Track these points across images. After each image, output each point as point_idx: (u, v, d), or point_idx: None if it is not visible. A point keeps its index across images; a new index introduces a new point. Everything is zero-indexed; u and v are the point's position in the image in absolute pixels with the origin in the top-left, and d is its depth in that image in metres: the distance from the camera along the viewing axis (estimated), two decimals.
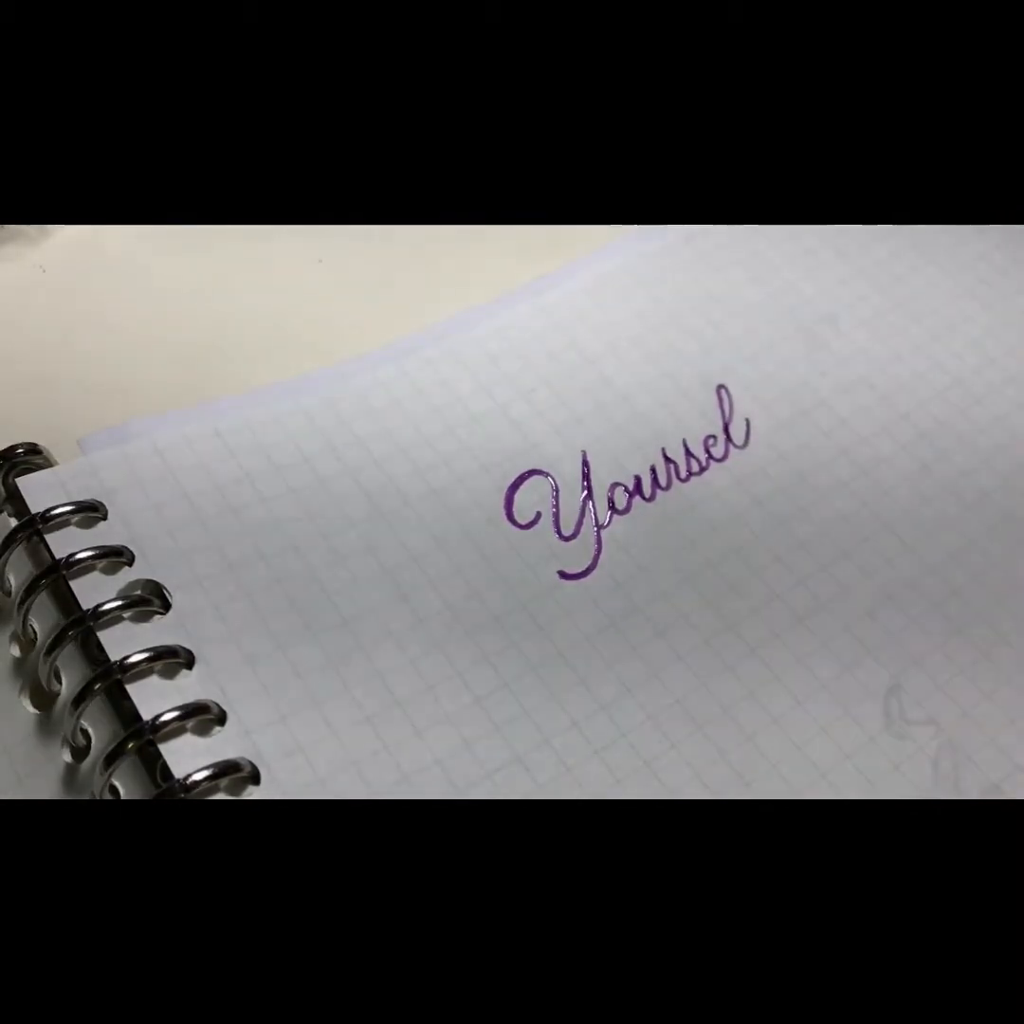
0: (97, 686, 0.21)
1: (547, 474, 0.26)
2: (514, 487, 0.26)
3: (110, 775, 0.20)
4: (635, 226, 0.31)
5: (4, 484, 0.24)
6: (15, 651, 0.23)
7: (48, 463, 0.24)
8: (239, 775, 0.21)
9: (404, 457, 0.26)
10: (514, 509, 0.26)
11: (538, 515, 0.26)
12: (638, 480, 0.27)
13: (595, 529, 0.26)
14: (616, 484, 0.27)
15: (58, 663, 0.22)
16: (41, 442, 0.25)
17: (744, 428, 0.28)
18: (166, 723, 0.21)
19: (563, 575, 0.25)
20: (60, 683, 0.22)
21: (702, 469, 0.27)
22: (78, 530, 0.23)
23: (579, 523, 0.26)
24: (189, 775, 0.20)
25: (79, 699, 0.21)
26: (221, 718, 0.21)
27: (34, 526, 0.23)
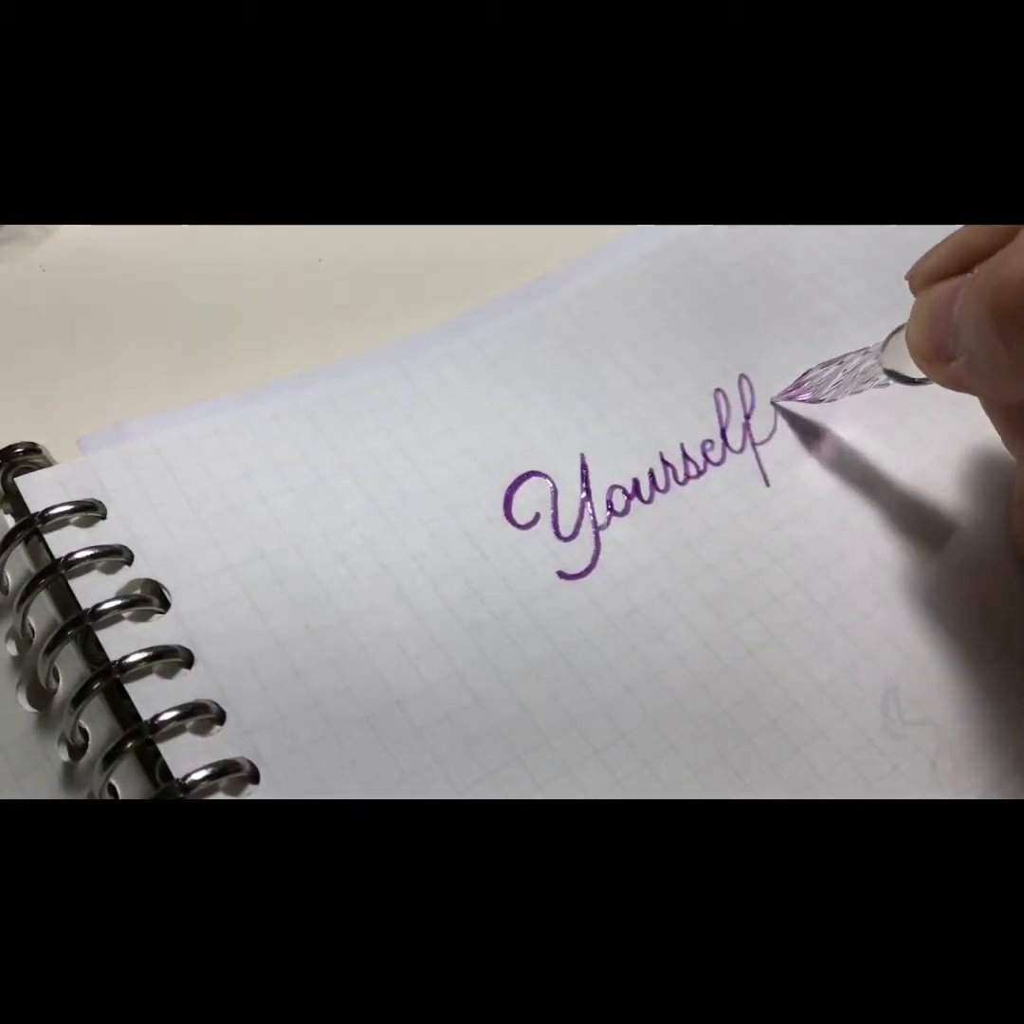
0: (96, 685, 0.21)
1: (546, 475, 0.26)
2: (513, 488, 0.26)
3: (109, 774, 0.20)
4: (635, 226, 0.31)
5: (3, 483, 0.24)
6: (13, 649, 0.23)
7: (47, 462, 0.24)
8: (238, 775, 0.21)
9: (403, 456, 0.26)
10: (513, 509, 0.26)
11: (537, 516, 0.26)
12: (636, 483, 0.27)
13: (594, 530, 0.26)
14: (614, 486, 0.27)
15: (57, 662, 0.22)
16: (40, 441, 0.25)
17: (741, 432, 0.28)
18: (165, 722, 0.21)
19: (562, 575, 0.25)
20: (58, 682, 0.22)
21: (699, 472, 0.27)
22: (77, 529, 0.23)
23: (578, 524, 0.26)
24: (188, 775, 0.20)
25: (78, 698, 0.21)
26: (220, 717, 0.21)
27: (33, 525, 0.23)
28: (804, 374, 0.28)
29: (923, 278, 0.23)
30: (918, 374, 0.24)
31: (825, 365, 0.27)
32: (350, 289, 0.30)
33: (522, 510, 0.26)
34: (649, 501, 0.27)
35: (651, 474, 0.27)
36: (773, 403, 0.29)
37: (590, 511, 0.26)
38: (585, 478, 0.27)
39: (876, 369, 0.25)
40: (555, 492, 0.26)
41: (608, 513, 0.26)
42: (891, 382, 0.25)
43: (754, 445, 0.28)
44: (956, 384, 0.22)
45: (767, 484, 0.27)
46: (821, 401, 0.28)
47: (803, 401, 0.28)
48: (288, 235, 0.30)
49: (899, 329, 0.24)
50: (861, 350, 0.26)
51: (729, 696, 0.24)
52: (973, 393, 0.23)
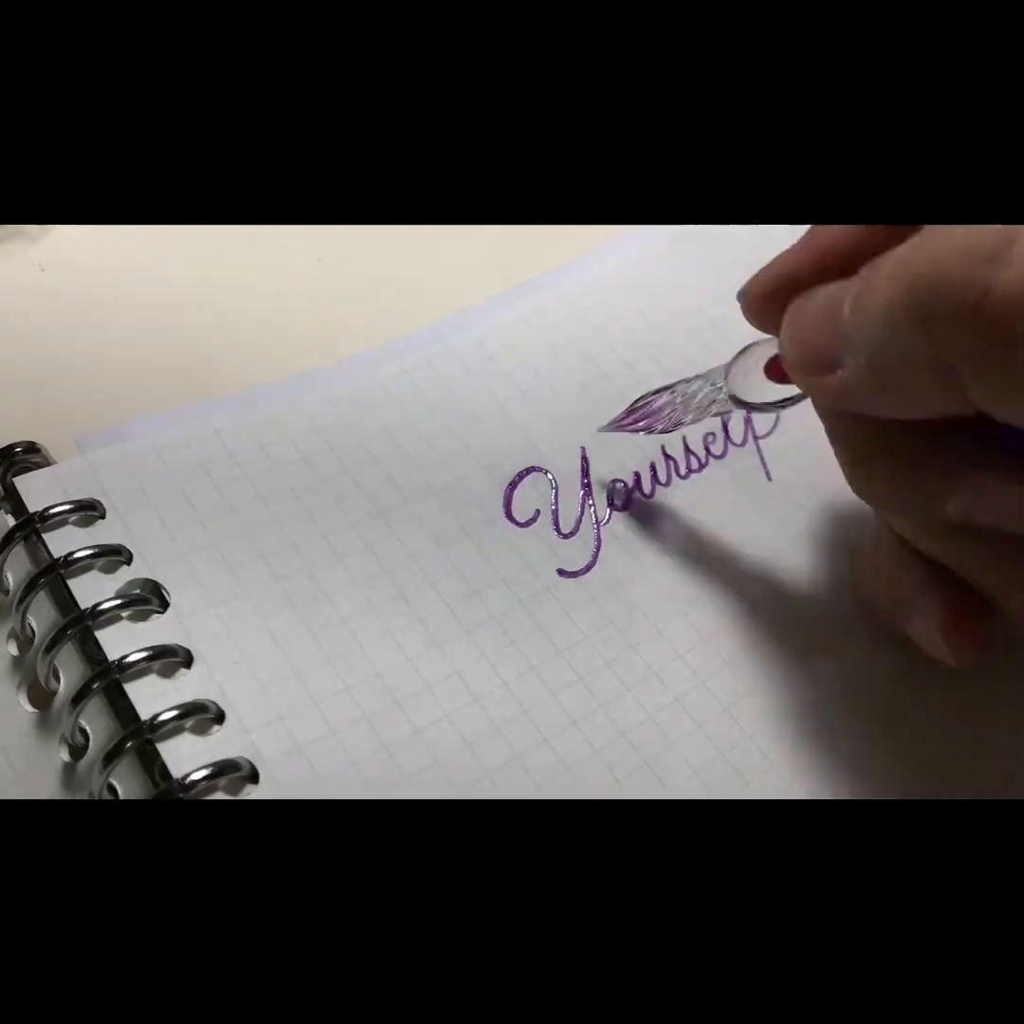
0: (95, 685, 0.21)
1: (546, 471, 0.26)
2: (513, 485, 0.26)
3: (108, 774, 0.20)
4: (634, 226, 0.31)
5: (2, 483, 0.24)
6: (13, 649, 0.23)
7: (46, 462, 0.24)
8: (238, 774, 0.21)
9: (403, 455, 0.26)
10: (513, 507, 0.26)
11: (537, 513, 0.26)
12: (637, 477, 0.27)
13: (594, 526, 0.26)
14: (616, 480, 0.27)
15: (56, 662, 0.22)
16: (40, 441, 0.25)
17: (743, 426, 0.28)
18: (164, 722, 0.21)
19: (562, 573, 0.25)
20: (58, 682, 0.22)
21: (701, 466, 0.27)
22: (76, 529, 0.23)
23: (578, 520, 0.26)
24: (187, 774, 0.20)
25: (78, 698, 0.21)
26: (219, 717, 0.21)
27: (32, 525, 0.23)
28: (635, 402, 0.26)
29: (770, 288, 0.21)
30: (764, 399, 0.22)
31: (656, 393, 0.25)
32: (350, 289, 0.30)
33: (522, 507, 0.26)
34: (650, 495, 0.27)
35: (652, 467, 0.27)
36: (599, 433, 0.26)
37: (591, 506, 0.26)
38: (586, 472, 0.27)
39: (715, 394, 0.23)
40: (556, 488, 0.26)
41: (609, 508, 0.26)
42: (734, 409, 0.23)
43: (756, 438, 0.28)
44: (841, 396, 0.20)
45: (769, 479, 0.27)
46: (653, 431, 0.25)
47: (635, 430, 0.26)
48: (288, 235, 0.30)
49: (741, 353, 0.23)
50: (695, 377, 0.24)
51: (730, 693, 0.24)
52: (858, 406, 0.20)
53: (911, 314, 0.17)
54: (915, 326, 0.17)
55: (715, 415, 0.24)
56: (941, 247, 0.17)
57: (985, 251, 0.16)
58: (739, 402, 0.23)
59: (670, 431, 0.25)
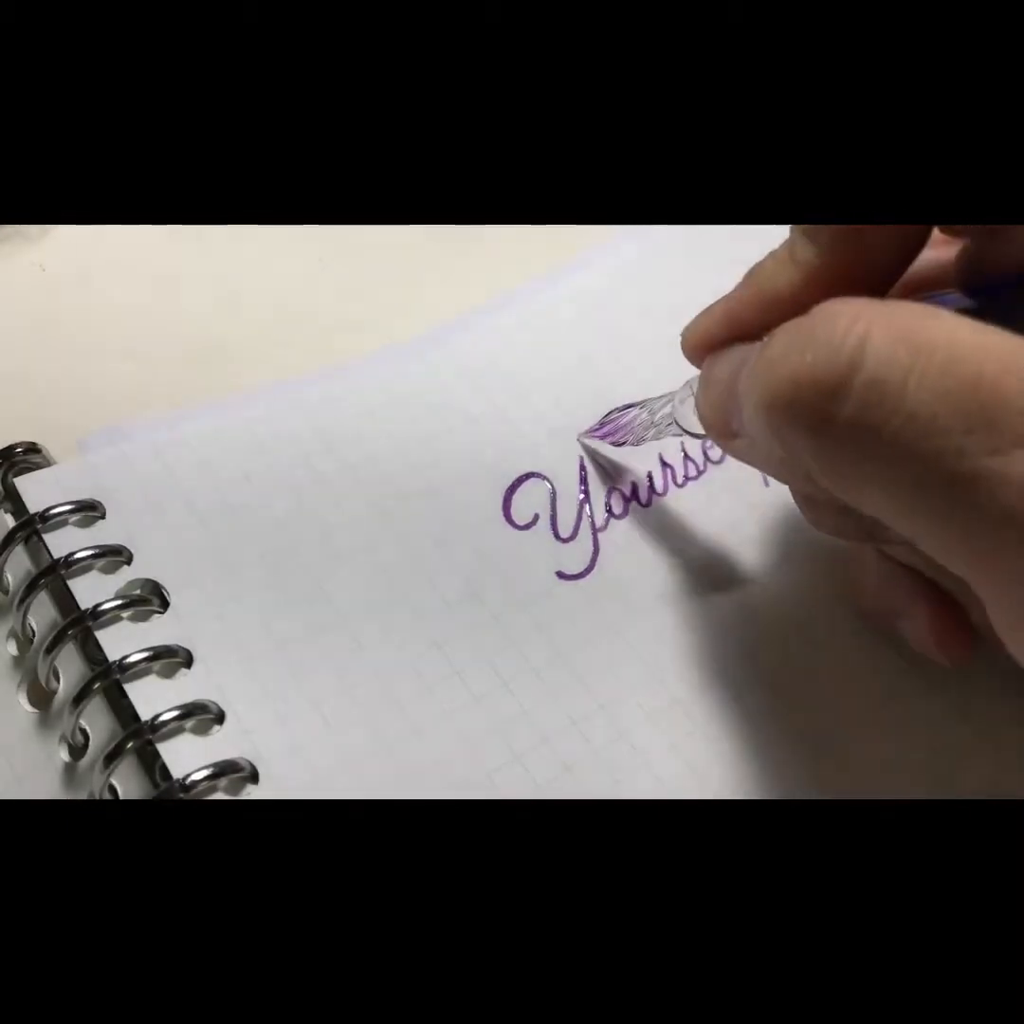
0: (96, 685, 0.21)
1: (544, 477, 0.26)
2: (512, 489, 0.26)
3: (109, 774, 0.20)
4: (633, 226, 0.31)
5: (3, 483, 0.24)
6: (13, 649, 0.23)
7: (47, 462, 0.24)
8: (238, 775, 0.21)
9: (403, 457, 0.26)
10: (512, 510, 0.26)
11: (536, 517, 0.26)
12: (635, 486, 0.27)
13: (593, 532, 0.26)
14: (613, 488, 0.27)
15: (57, 662, 0.22)
16: (40, 441, 0.25)
17: None
18: (165, 722, 0.21)
19: (562, 576, 0.25)
20: (59, 682, 0.22)
21: (699, 473, 0.27)
22: (77, 529, 0.23)
23: (576, 525, 0.26)
24: (188, 775, 0.20)
25: (78, 698, 0.21)
26: (220, 717, 0.21)
27: (33, 525, 0.23)
28: (607, 415, 0.27)
29: (699, 344, 0.22)
30: (701, 429, 0.23)
31: (626, 408, 0.26)
32: (350, 289, 0.30)
33: (521, 511, 0.26)
34: (647, 504, 0.27)
35: (649, 477, 0.27)
36: (578, 440, 0.27)
37: (589, 513, 0.26)
38: (584, 480, 0.27)
39: (672, 416, 0.24)
40: (554, 493, 0.26)
41: (606, 515, 0.26)
42: (681, 433, 0.24)
43: None
44: (743, 460, 0.21)
45: (766, 484, 0.27)
46: (624, 443, 0.26)
47: (608, 442, 0.27)
48: (288, 235, 0.31)
49: (687, 383, 0.23)
50: (666, 396, 0.25)
51: (729, 695, 0.24)
52: (760, 470, 0.22)
53: (769, 424, 0.18)
54: (773, 435, 0.18)
55: (672, 436, 0.25)
56: (795, 369, 0.17)
57: (831, 383, 0.17)
58: (681, 428, 0.24)
59: (636, 445, 0.26)
